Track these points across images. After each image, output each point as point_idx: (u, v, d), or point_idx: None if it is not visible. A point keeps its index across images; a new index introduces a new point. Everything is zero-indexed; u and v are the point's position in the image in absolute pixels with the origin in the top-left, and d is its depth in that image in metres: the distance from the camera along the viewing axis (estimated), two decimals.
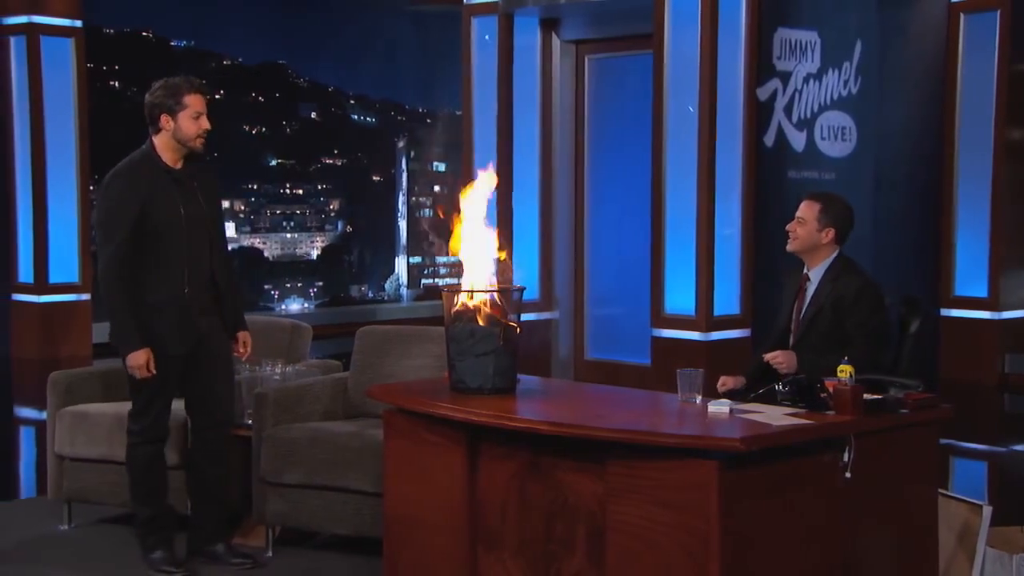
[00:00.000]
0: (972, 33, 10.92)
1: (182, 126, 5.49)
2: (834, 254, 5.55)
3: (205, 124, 5.54)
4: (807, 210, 5.56)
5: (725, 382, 5.46)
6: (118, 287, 5.40)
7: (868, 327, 5.36)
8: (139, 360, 5.40)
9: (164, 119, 5.50)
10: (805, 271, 5.62)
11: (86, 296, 12.26)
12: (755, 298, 9.59)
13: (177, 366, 5.57)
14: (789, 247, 5.61)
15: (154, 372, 5.42)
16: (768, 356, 5.47)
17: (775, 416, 4.29)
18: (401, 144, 16.27)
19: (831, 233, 5.53)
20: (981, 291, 10.82)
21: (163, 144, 5.54)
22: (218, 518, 5.78)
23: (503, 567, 4.66)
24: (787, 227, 5.60)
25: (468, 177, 11.20)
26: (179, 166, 5.57)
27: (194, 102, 5.51)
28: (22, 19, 12.05)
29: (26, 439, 9.22)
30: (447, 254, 16.07)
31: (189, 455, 5.79)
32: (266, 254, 15.00)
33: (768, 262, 9.64)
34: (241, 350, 5.82)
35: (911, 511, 4.59)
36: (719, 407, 4.41)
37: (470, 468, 4.73)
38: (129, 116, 13.73)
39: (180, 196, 5.50)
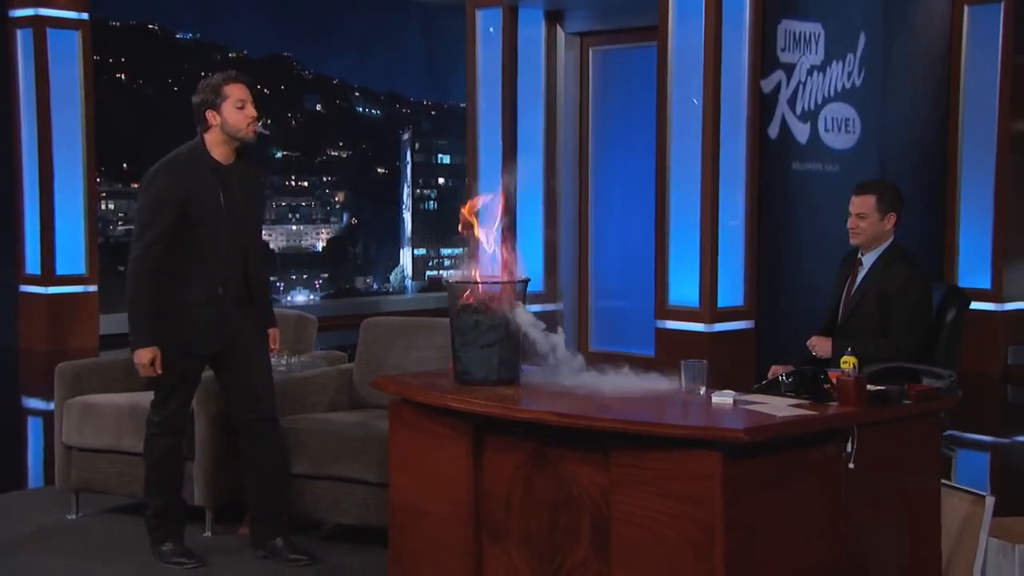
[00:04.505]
0: (976, 25, 10.96)
1: (227, 117, 5.45)
2: (889, 241, 5.65)
3: (251, 112, 5.49)
4: (864, 204, 5.62)
5: (776, 371, 5.45)
6: (143, 281, 5.38)
7: (910, 315, 5.44)
8: (142, 358, 5.39)
9: (210, 115, 5.47)
10: (860, 255, 5.69)
11: (93, 288, 12.34)
12: (759, 290, 9.62)
13: (200, 363, 5.57)
14: (854, 241, 5.67)
15: (160, 372, 5.40)
16: (808, 343, 5.60)
17: (779, 407, 4.30)
18: (406, 136, 16.31)
19: (893, 218, 5.63)
20: (984, 283, 10.87)
21: (213, 140, 5.50)
22: (276, 513, 5.73)
23: (508, 558, 4.68)
24: (848, 225, 5.65)
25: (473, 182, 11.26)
26: (230, 162, 5.53)
27: (234, 91, 5.47)
28: (29, 12, 12.12)
29: (34, 429, 9.26)
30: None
31: (241, 451, 5.73)
32: (272, 246, 15.04)
33: (772, 254, 9.68)
34: (273, 346, 5.78)
35: (914, 502, 4.59)
36: (723, 398, 4.41)
37: (475, 459, 4.74)
38: (135, 108, 13.83)
39: (223, 193, 5.46)
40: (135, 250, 5.43)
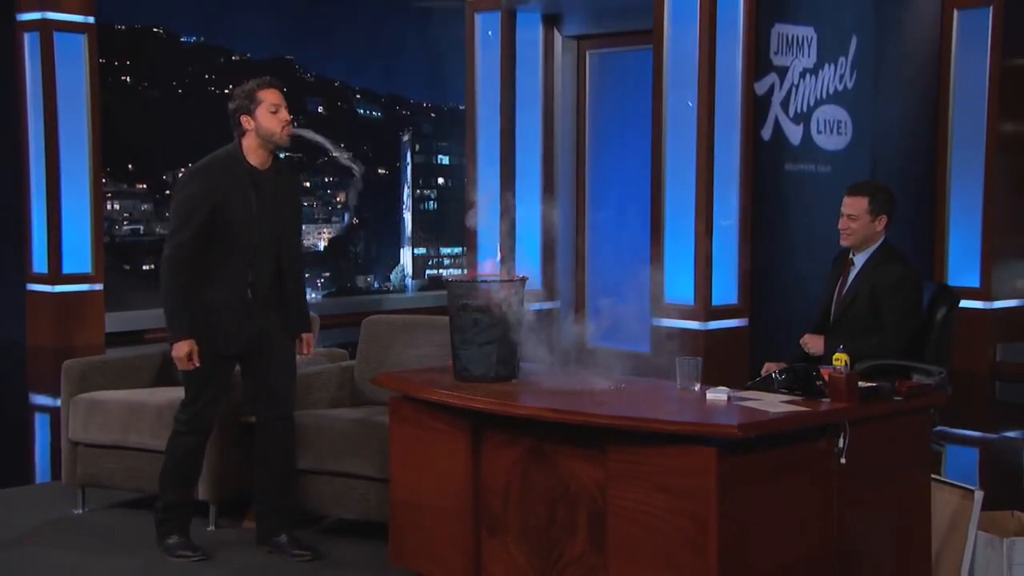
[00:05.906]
0: (965, 28, 11.01)
1: (262, 122, 5.49)
2: (881, 241, 5.68)
3: (285, 116, 5.53)
4: (856, 205, 5.64)
5: (769, 368, 5.50)
6: (175, 278, 5.43)
7: (900, 313, 5.49)
8: (180, 351, 5.43)
9: (245, 120, 5.51)
10: (851, 255, 5.74)
11: (99, 286, 12.40)
12: (752, 288, 9.68)
13: (228, 364, 5.62)
14: (845, 242, 5.69)
15: (197, 365, 5.45)
16: (801, 341, 5.65)
17: (772, 403, 4.36)
18: (406, 138, 16.36)
19: (884, 220, 5.66)
20: (973, 281, 10.91)
21: (249, 145, 5.55)
22: (282, 509, 5.76)
23: (506, 551, 4.73)
24: (839, 225, 5.66)
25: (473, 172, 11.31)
26: (265, 167, 5.57)
27: (268, 96, 5.52)
28: (36, 16, 12.18)
29: (41, 426, 9.26)
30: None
31: (255, 448, 5.76)
32: None
33: (765, 253, 9.74)
34: (305, 351, 5.82)
35: (905, 496, 4.65)
36: (717, 395, 4.47)
37: (474, 454, 4.80)
38: (140, 110, 13.89)
39: (256, 198, 5.50)
40: (167, 249, 5.48)
